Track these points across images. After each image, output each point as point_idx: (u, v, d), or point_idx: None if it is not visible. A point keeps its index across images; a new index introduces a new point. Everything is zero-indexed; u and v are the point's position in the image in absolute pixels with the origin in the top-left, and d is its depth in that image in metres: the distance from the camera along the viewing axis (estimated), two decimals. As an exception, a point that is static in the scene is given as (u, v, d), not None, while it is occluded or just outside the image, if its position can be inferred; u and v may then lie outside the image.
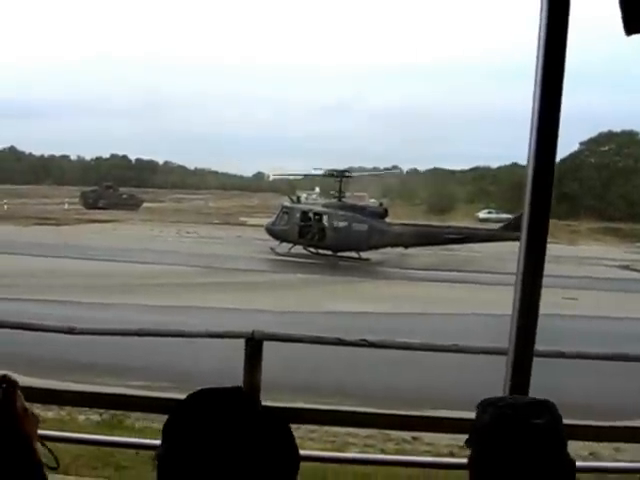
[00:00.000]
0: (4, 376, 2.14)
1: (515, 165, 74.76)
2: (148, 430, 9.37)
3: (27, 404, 2.24)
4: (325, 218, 39.04)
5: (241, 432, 1.67)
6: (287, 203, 42.61)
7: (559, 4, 2.63)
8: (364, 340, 4.89)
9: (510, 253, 33.84)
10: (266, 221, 43.01)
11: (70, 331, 5.30)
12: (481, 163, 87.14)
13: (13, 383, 2.14)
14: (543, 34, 2.69)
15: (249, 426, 1.69)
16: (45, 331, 5.50)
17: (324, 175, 47.37)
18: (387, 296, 25.40)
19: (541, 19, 2.69)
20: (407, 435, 8.74)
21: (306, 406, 5.09)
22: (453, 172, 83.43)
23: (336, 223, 38.01)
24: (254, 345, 4.87)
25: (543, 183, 2.90)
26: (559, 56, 2.69)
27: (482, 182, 75.72)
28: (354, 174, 47.41)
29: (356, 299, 24.52)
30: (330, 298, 24.32)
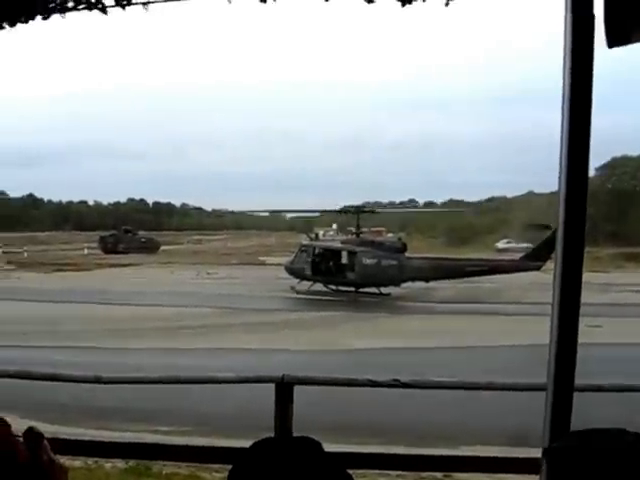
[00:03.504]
0: (30, 429, 2.10)
1: (531, 193, 74.95)
2: (176, 476, 9.27)
3: (54, 455, 2.20)
4: (345, 255, 39.01)
5: None
6: (305, 241, 42.69)
7: (584, 26, 2.59)
8: (396, 380, 4.79)
9: (531, 283, 33.83)
10: (285, 260, 43.10)
11: (97, 380, 5.25)
12: (496, 192, 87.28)
13: (38, 436, 2.11)
14: (569, 57, 2.64)
15: (312, 475, 1.66)
16: (73, 382, 5.44)
17: (340, 211, 47.46)
18: (410, 331, 25.19)
19: (565, 42, 2.65)
20: (439, 474, 8.56)
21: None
22: (470, 203, 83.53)
23: (361, 259, 37.91)
24: (284, 389, 4.78)
25: (577, 210, 2.82)
26: (586, 78, 2.65)
27: (499, 212, 75.70)
28: (370, 209, 47.42)
29: (378, 335, 24.33)
30: (352, 335, 24.16)
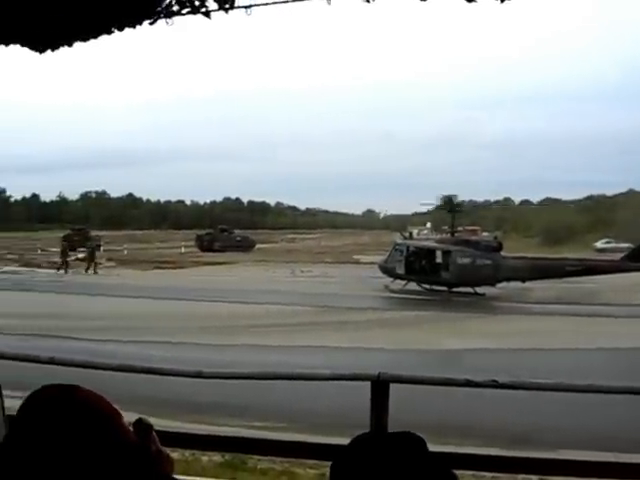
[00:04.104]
0: (140, 420, 2.17)
1: (632, 191, 72.65)
2: (271, 472, 9.40)
3: (161, 446, 2.28)
4: (439, 254, 38.71)
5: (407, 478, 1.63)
6: (399, 240, 42.54)
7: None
8: (494, 381, 4.73)
9: (633, 284, 32.83)
10: (379, 258, 43.11)
11: (198, 375, 5.36)
12: (595, 191, 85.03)
13: (148, 427, 2.18)
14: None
15: (416, 473, 1.64)
16: (174, 376, 5.57)
17: (437, 207, 47.15)
18: (506, 332, 24.80)
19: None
20: (535, 477, 8.41)
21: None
22: (567, 201, 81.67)
23: (455, 258, 37.53)
24: (380, 387, 4.78)
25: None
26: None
27: (598, 211, 73.74)
28: (463, 207, 46.96)
29: (472, 335, 24.05)
30: (446, 335, 23.94)
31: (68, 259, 51.12)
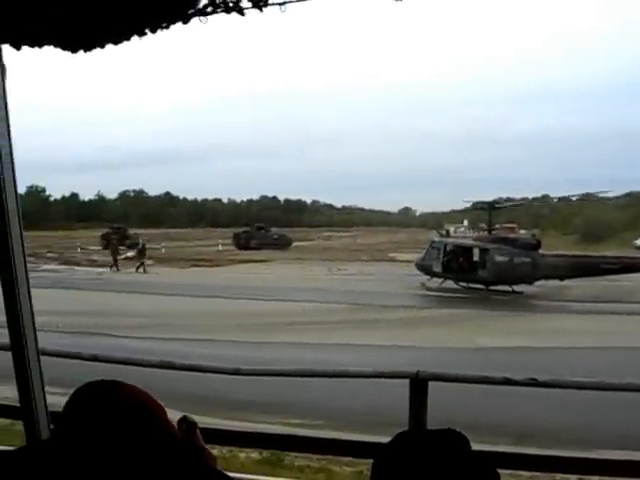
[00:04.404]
0: (184, 417, 2.21)
1: (673, 188, 71.41)
2: (308, 469, 9.41)
3: (204, 443, 2.32)
4: (476, 251, 38.47)
5: (450, 476, 1.62)
6: (436, 238, 42.32)
7: None
8: (533, 379, 4.70)
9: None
10: (415, 256, 42.93)
11: (236, 372, 5.40)
12: (635, 187, 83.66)
13: (193, 424, 2.22)
14: None
15: (460, 471, 1.63)
16: (213, 372, 5.62)
17: (473, 207, 46.82)
18: (544, 330, 24.58)
19: None
20: (573, 477, 8.33)
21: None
22: (606, 198, 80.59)
23: (493, 256, 37.27)
24: (419, 385, 4.78)
25: None
26: None
27: (638, 207, 72.70)
28: (504, 205, 46.61)
29: (509, 334, 23.88)
30: (484, 333, 23.79)
31: (118, 257, 51.79)
